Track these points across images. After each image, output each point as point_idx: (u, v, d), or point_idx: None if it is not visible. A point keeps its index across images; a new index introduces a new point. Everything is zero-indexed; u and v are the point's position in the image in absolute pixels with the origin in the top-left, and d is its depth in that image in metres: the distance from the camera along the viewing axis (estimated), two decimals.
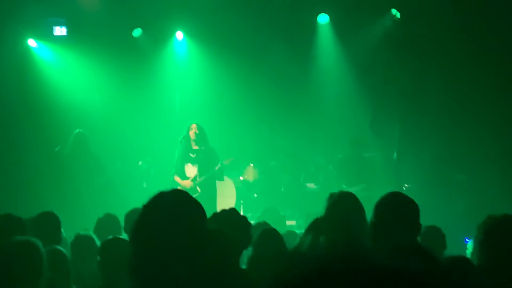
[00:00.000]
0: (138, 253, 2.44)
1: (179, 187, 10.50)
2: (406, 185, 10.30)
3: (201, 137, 10.69)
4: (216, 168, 10.72)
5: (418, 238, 4.01)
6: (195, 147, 10.69)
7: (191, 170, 10.72)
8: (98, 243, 5.43)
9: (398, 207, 3.82)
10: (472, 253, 5.53)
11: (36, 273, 3.27)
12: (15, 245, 3.48)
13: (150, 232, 2.43)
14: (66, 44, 12.94)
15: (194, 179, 10.68)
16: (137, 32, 13.01)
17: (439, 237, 5.51)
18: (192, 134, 10.61)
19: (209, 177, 10.76)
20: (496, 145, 10.40)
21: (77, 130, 11.32)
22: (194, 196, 8.62)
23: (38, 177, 11.66)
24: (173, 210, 2.48)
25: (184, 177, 10.73)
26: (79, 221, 8.64)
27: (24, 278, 3.07)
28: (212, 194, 10.79)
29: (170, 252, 2.39)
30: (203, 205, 2.58)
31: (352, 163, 11.47)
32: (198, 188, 10.66)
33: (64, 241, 5.66)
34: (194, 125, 10.67)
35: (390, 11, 11.36)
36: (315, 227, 4.96)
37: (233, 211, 4.42)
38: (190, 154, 10.70)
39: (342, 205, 4.31)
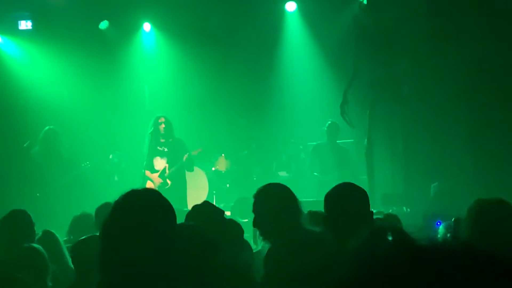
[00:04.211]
0: (107, 248, 2.49)
1: (148, 181, 10.60)
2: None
3: (168, 130, 10.77)
4: (184, 158, 10.76)
5: None
6: (162, 140, 10.75)
7: (160, 163, 10.81)
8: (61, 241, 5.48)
9: (346, 198, 3.87)
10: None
11: None
12: None
13: (119, 229, 2.48)
14: (32, 38, 12.85)
15: (163, 172, 10.74)
16: (104, 25, 12.93)
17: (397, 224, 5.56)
18: (161, 128, 10.65)
19: (178, 169, 10.83)
20: (466, 132, 10.51)
21: (47, 127, 11.26)
22: (164, 188, 8.74)
23: (7, 174, 11.56)
24: (143, 208, 2.54)
25: (153, 170, 10.78)
26: (51, 217, 8.60)
27: None
28: (182, 186, 10.93)
29: (137, 248, 2.44)
30: (173, 196, 2.64)
31: (327, 149, 11.58)
32: (168, 181, 10.77)
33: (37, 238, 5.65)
34: (162, 118, 10.72)
35: None
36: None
37: (207, 205, 4.44)
38: (158, 147, 10.76)
39: (267, 198, 4.30)
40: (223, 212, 4.63)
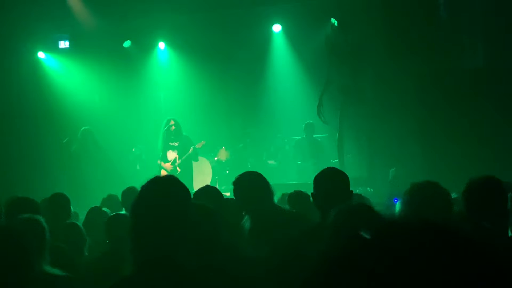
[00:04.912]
0: (137, 222, 2.49)
1: (163, 169, 10.72)
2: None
3: (177, 129, 10.86)
4: (190, 151, 10.87)
5: None
6: (173, 137, 10.90)
7: (171, 155, 10.94)
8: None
9: (332, 179, 3.83)
10: (399, 210, 5.58)
11: (41, 243, 3.26)
12: (22, 222, 3.49)
13: (147, 206, 2.50)
14: (69, 55, 12.89)
15: (174, 162, 10.84)
16: (127, 44, 12.93)
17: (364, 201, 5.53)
18: (172, 128, 10.77)
19: (185, 159, 10.92)
20: (417, 126, 10.53)
21: (83, 127, 11.29)
22: (175, 174, 8.75)
23: (50, 164, 11.57)
24: (165, 189, 2.54)
25: (166, 161, 10.93)
26: (87, 199, 8.58)
27: (31, 248, 3.07)
28: (189, 172, 10.99)
29: (162, 221, 2.45)
30: (182, 180, 2.64)
31: (306, 143, 11.67)
32: (178, 168, 10.89)
33: (74, 216, 5.61)
34: (172, 121, 10.87)
35: (330, 20, 11.39)
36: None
37: (208, 187, 4.42)
38: (170, 143, 10.90)
39: (244, 183, 4.26)
40: (218, 190, 4.62)
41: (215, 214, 3.29)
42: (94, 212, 5.55)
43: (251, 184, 4.23)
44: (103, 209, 5.65)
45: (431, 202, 3.55)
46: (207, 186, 4.62)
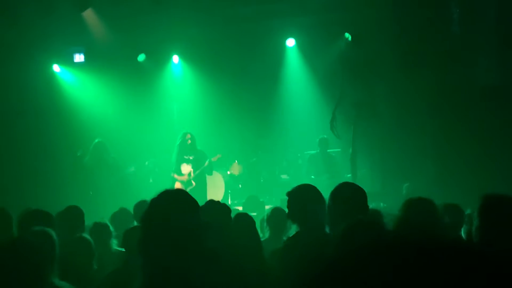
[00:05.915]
0: (147, 236, 2.51)
1: (177, 182, 10.72)
2: None
3: (193, 142, 10.89)
4: (205, 164, 10.91)
5: None
6: (188, 151, 10.88)
7: (185, 169, 10.94)
8: (112, 229, 5.42)
9: (349, 195, 3.81)
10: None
11: (50, 256, 3.28)
12: (33, 234, 3.53)
13: (156, 220, 2.52)
14: (84, 69, 12.96)
15: (189, 175, 10.81)
16: (141, 57, 13.00)
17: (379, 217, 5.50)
18: (188, 141, 10.78)
19: (200, 173, 10.92)
20: (429, 141, 10.51)
21: (97, 140, 11.30)
22: (190, 188, 8.77)
23: (64, 177, 11.62)
24: (174, 204, 2.56)
25: (180, 174, 10.90)
26: (99, 211, 8.60)
27: (40, 261, 3.08)
28: (204, 185, 11.02)
29: (170, 235, 2.46)
30: (196, 194, 2.65)
31: (320, 158, 11.64)
32: (193, 182, 10.87)
33: (87, 229, 5.62)
34: (189, 135, 10.90)
35: (343, 35, 11.42)
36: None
37: (216, 202, 4.41)
38: (184, 156, 10.88)
39: (300, 196, 4.20)
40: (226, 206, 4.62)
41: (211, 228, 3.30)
42: (97, 227, 5.54)
43: (306, 196, 4.19)
44: (105, 222, 5.65)
45: (420, 219, 3.56)
46: (211, 200, 4.61)
